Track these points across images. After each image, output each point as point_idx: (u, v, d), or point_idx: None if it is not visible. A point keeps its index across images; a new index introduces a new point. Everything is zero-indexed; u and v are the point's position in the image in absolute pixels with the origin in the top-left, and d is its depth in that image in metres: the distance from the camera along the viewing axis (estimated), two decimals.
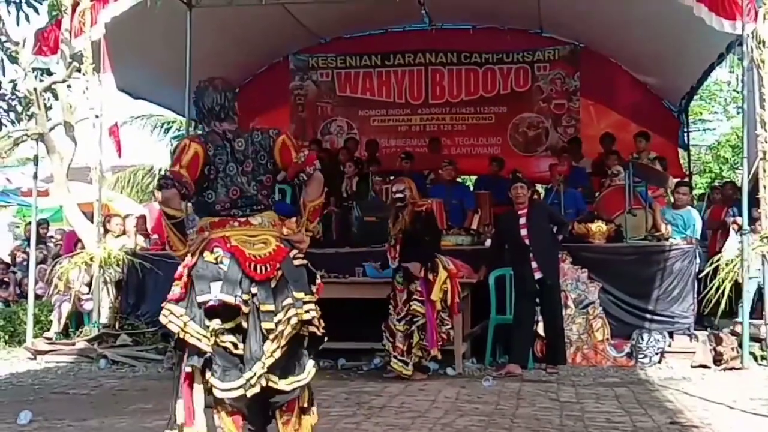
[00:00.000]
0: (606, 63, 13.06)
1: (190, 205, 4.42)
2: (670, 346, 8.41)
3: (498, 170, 11.91)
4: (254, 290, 3.97)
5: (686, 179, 12.26)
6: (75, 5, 9.15)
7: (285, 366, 4.02)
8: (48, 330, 9.87)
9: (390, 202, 7.72)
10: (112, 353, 8.71)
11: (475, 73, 13.45)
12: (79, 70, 9.29)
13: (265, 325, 3.94)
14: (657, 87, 13.01)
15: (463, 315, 7.98)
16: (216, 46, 11.54)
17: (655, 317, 8.63)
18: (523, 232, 8.00)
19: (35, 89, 9.28)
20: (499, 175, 11.82)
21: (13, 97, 8.80)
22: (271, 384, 3.96)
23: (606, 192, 10.19)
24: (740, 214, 8.56)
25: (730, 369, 7.92)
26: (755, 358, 8.00)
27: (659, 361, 8.32)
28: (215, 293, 3.93)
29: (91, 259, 9.41)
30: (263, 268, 3.98)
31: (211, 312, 3.94)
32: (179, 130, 21.46)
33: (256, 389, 3.91)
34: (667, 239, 9.02)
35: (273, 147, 4.18)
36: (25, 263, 12.16)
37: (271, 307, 3.96)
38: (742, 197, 8.46)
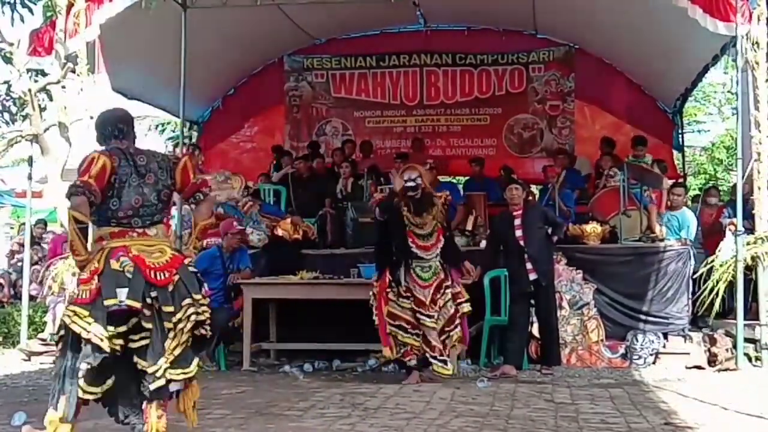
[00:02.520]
0: (601, 64, 13.07)
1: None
2: (664, 347, 8.43)
3: (480, 170, 11.99)
4: (154, 294, 4.40)
5: (681, 180, 12.28)
6: (69, 6, 9.13)
7: (177, 359, 4.46)
8: (42, 331, 9.84)
9: (400, 190, 7.40)
10: None
11: (470, 74, 13.45)
12: (73, 71, 9.27)
13: (167, 325, 4.41)
14: (651, 88, 13.03)
15: None
16: (211, 47, 11.53)
17: (650, 318, 8.65)
18: (518, 233, 8.00)
19: (30, 90, 9.25)
20: (483, 174, 11.88)
21: (8, 98, 8.78)
22: (167, 375, 4.42)
23: (601, 193, 10.21)
24: (735, 216, 8.57)
25: (725, 370, 7.94)
26: (749, 359, 8.01)
27: (654, 362, 8.34)
28: (122, 298, 4.33)
29: None
30: (162, 274, 4.44)
31: (108, 317, 4.34)
32: (174, 131, 21.45)
33: (162, 382, 4.40)
34: (661, 240, 9.04)
35: (175, 166, 4.70)
36: (19, 264, 12.14)
37: (171, 309, 4.43)
38: (736, 199, 8.48)
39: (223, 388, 7.03)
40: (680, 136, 13.48)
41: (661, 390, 6.99)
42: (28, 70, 9.34)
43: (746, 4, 8.08)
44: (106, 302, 4.32)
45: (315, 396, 6.50)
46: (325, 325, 8.70)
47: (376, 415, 5.76)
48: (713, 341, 8.22)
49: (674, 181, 11.27)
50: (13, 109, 8.94)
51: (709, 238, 9.71)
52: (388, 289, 7.19)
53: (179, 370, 4.47)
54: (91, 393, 4.45)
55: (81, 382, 4.39)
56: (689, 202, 11.45)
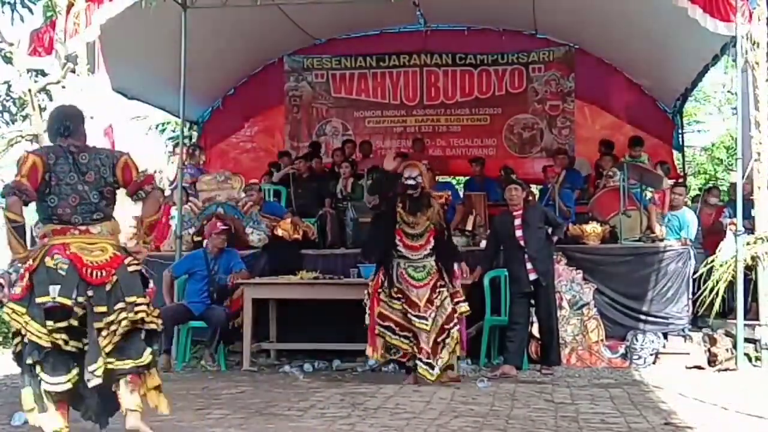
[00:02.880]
0: (601, 64, 13.07)
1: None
2: (664, 347, 8.43)
3: (480, 170, 11.98)
4: (90, 293, 4.49)
5: (681, 180, 12.28)
6: (70, 6, 9.12)
7: (124, 351, 4.54)
8: None
9: (399, 188, 7.28)
10: None
11: (470, 74, 13.45)
12: (73, 71, 9.27)
13: (96, 325, 4.48)
14: (651, 88, 13.03)
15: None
16: (211, 47, 11.52)
17: (650, 318, 8.66)
18: (518, 233, 8.01)
19: (30, 90, 9.26)
20: (483, 174, 11.89)
21: (8, 98, 8.79)
22: (111, 367, 4.50)
23: (601, 193, 10.22)
24: (735, 216, 8.57)
25: (725, 370, 7.94)
26: (749, 359, 8.01)
27: (654, 362, 8.34)
28: (54, 295, 4.42)
29: None
30: (99, 273, 4.51)
31: (48, 312, 4.43)
32: (174, 131, 21.44)
33: (99, 380, 4.46)
34: (661, 240, 9.05)
35: (116, 164, 4.73)
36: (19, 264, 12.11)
37: (104, 309, 4.50)
38: (737, 199, 8.48)
39: (223, 388, 7.04)
40: (680, 136, 13.49)
41: (661, 390, 6.98)
42: (28, 71, 9.35)
43: (746, 4, 8.08)
44: (39, 299, 4.43)
45: (315, 396, 6.50)
46: (325, 325, 8.70)
47: (376, 415, 5.75)
48: (713, 341, 8.22)
49: (675, 181, 11.27)
50: (13, 109, 8.96)
51: (709, 238, 9.72)
52: (380, 290, 7.12)
53: (129, 361, 4.54)
54: (56, 383, 4.51)
55: (43, 374, 4.52)
56: (689, 202, 11.45)
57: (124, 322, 4.51)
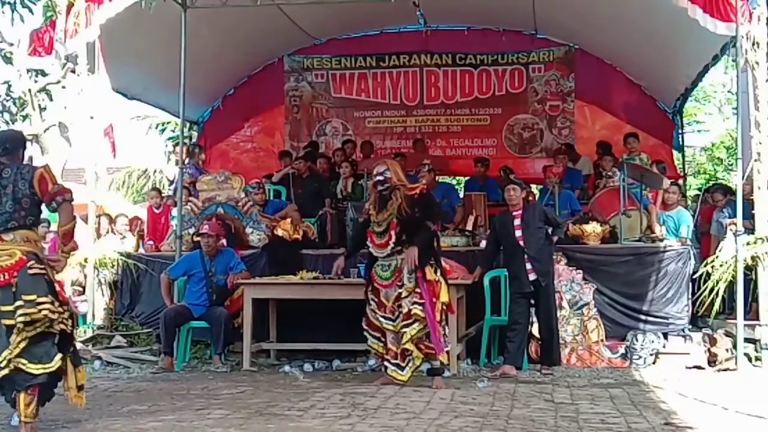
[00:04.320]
0: (601, 64, 13.09)
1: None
2: (664, 347, 8.42)
3: (484, 170, 11.99)
4: None
5: (680, 180, 12.28)
6: (70, 6, 9.14)
7: (35, 354, 5.02)
8: None
9: (370, 186, 7.13)
10: (107, 354, 8.69)
11: (470, 74, 13.47)
12: (73, 71, 9.28)
13: (5, 322, 4.99)
14: (652, 88, 13.04)
15: (457, 316, 7.97)
16: (211, 47, 11.53)
17: (650, 318, 8.65)
18: (518, 233, 8.00)
19: (30, 90, 9.27)
20: (486, 176, 11.89)
21: (8, 98, 8.80)
22: (21, 366, 4.98)
23: (601, 193, 10.21)
24: (735, 216, 8.57)
25: (725, 370, 7.93)
26: (749, 359, 8.01)
27: (654, 362, 8.33)
28: None
29: (86, 260, 9.39)
30: (3, 275, 5.02)
31: None
32: (174, 131, 21.46)
33: (6, 371, 4.97)
34: (661, 240, 9.05)
35: (34, 177, 5.15)
36: None
37: (10, 308, 4.99)
38: (737, 199, 8.48)
39: (223, 388, 7.04)
40: (680, 136, 13.50)
41: (661, 390, 6.98)
42: (28, 71, 9.35)
43: (746, 4, 8.09)
44: None
45: (315, 396, 6.50)
46: (325, 325, 8.70)
47: (376, 415, 5.75)
48: (713, 341, 8.21)
49: (671, 181, 11.26)
50: (13, 109, 8.96)
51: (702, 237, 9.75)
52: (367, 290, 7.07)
53: (39, 365, 5.02)
54: None
55: None
56: (689, 202, 11.44)
57: (20, 318, 4.95)
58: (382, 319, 6.92)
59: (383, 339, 7.00)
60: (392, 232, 6.86)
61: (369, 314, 7.05)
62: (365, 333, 7.11)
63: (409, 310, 6.76)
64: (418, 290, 6.78)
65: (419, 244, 6.77)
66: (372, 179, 7.06)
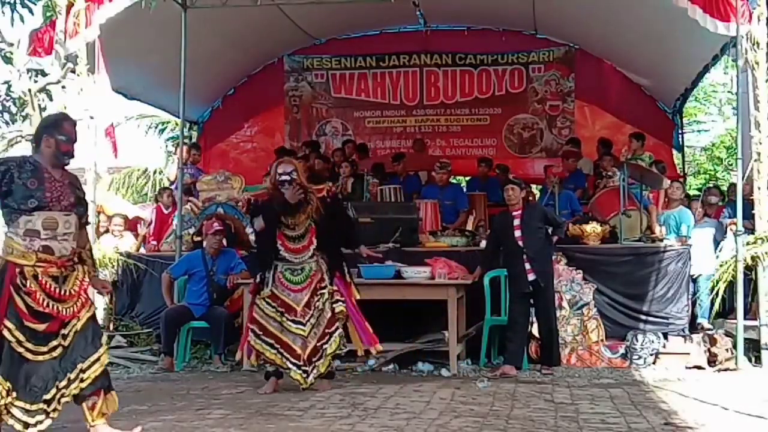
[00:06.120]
0: (601, 64, 13.10)
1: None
2: (664, 347, 8.42)
3: (487, 170, 11.98)
4: None
5: (680, 180, 12.27)
6: (69, 6, 9.13)
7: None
8: None
9: (271, 184, 6.82)
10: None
11: (470, 74, 13.48)
12: (73, 71, 9.27)
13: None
14: (652, 88, 13.05)
15: (457, 316, 7.98)
16: (211, 47, 11.53)
17: (650, 318, 8.65)
18: (517, 233, 8.00)
19: (30, 90, 9.24)
20: (489, 176, 11.88)
21: (8, 98, 8.78)
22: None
23: (601, 193, 10.21)
24: (735, 216, 8.57)
25: (725, 370, 7.94)
26: (749, 359, 8.01)
27: (654, 362, 8.33)
28: None
29: None
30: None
31: None
32: (174, 131, 21.45)
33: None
34: (661, 240, 9.05)
35: None
36: None
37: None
38: (737, 199, 8.49)
39: (223, 388, 7.04)
40: (680, 136, 13.51)
41: (661, 390, 6.99)
42: (28, 71, 9.33)
43: (746, 4, 8.09)
44: None
45: (315, 396, 6.49)
46: None
47: (376, 415, 5.76)
48: (713, 341, 8.22)
49: (672, 180, 11.26)
50: (13, 109, 8.94)
51: None
52: (257, 294, 6.77)
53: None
54: None
55: None
56: (689, 202, 11.43)
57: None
58: (291, 323, 6.62)
59: (277, 346, 6.64)
60: (313, 239, 6.74)
61: (263, 318, 6.69)
62: (257, 339, 6.68)
63: (333, 310, 6.74)
64: (337, 288, 6.81)
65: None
66: (277, 178, 6.71)
